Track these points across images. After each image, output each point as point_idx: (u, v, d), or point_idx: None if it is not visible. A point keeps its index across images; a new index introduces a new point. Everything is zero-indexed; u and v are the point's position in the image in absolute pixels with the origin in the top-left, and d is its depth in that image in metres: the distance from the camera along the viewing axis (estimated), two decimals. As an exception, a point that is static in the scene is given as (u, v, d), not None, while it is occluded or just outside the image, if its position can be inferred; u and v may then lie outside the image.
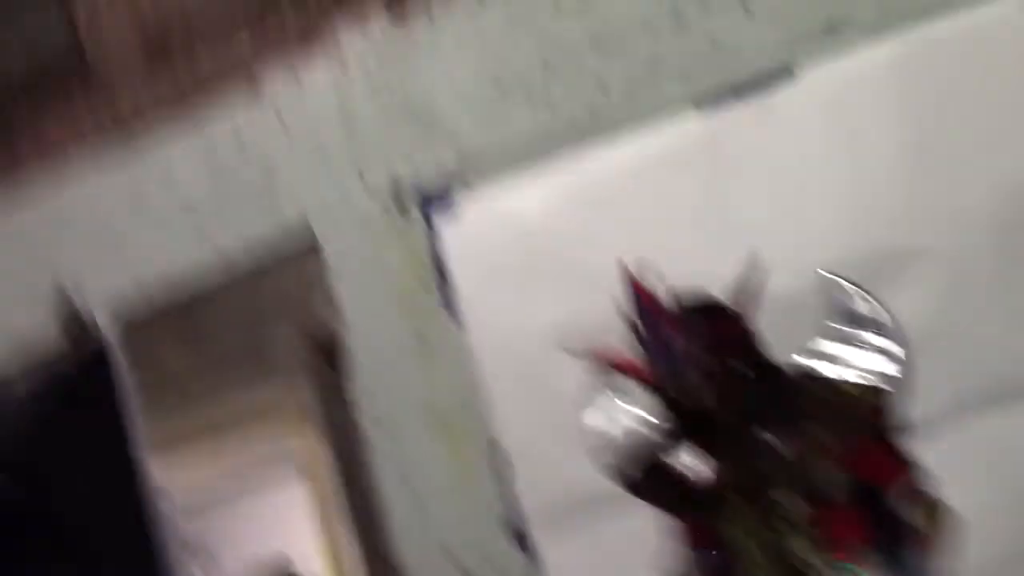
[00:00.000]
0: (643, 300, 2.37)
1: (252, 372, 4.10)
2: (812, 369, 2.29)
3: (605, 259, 3.57)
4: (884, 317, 2.28)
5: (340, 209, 4.15)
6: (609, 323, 3.47)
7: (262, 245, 4.27)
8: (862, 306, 2.38)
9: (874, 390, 2.17)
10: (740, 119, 3.47)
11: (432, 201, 3.97)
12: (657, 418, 2.37)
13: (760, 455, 2.25)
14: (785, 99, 3.43)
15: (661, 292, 2.36)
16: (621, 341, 3.38)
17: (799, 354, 2.52)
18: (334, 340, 4.17)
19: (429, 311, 4.02)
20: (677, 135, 3.54)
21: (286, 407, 4.34)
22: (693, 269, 3.34)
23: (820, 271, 2.52)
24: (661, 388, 2.36)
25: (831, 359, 2.36)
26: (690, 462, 2.32)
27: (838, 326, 2.36)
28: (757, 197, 3.41)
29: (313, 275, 4.21)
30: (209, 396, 3.73)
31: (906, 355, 2.27)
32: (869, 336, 2.35)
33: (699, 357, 2.30)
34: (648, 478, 2.31)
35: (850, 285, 2.47)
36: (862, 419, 2.15)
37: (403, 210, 4.06)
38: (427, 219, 3.97)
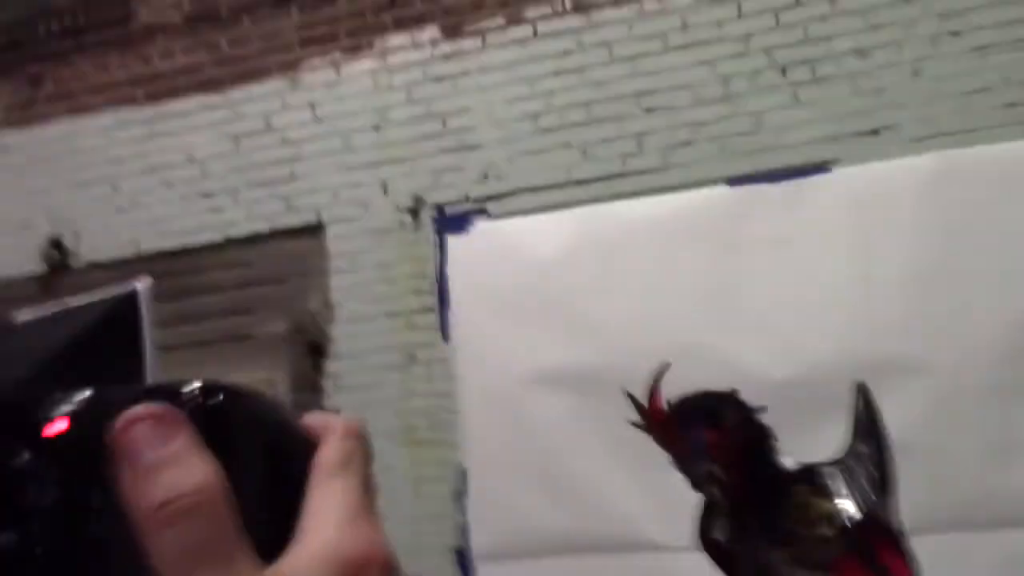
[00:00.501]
0: (653, 412, 2.44)
1: (235, 353, 4.06)
2: (800, 480, 2.36)
3: (611, 315, 3.60)
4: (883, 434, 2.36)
5: (355, 212, 4.15)
6: (600, 377, 3.51)
7: (270, 233, 4.26)
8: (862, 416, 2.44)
9: (843, 524, 2.24)
10: (769, 203, 3.51)
11: (448, 222, 3.98)
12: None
13: (758, 548, 2.36)
14: (817, 192, 3.47)
15: (664, 400, 2.44)
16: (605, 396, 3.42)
17: (789, 453, 2.57)
18: (322, 338, 4.15)
19: (422, 329, 4.02)
20: (705, 206, 3.57)
21: (259, 395, 4.29)
22: (695, 342, 3.38)
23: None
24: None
25: (818, 476, 2.40)
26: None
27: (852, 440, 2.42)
28: (770, 282, 3.44)
29: (314, 271, 4.20)
30: (187, 368, 3.68)
31: (891, 484, 2.34)
32: (857, 461, 2.41)
33: (696, 462, 2.38)
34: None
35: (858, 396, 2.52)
36: (835, 538, 2.23)
37: (417, 226, 4.07)
38: (440, 238, 3.97)
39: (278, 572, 0.31)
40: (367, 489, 0.34)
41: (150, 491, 0.30)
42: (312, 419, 0.35)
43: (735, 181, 3.57)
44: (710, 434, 2.40)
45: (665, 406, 2.44)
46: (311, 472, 0.33)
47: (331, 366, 4.13)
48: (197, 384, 0.33)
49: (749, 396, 2.84)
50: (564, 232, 3.74)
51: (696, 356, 3.27)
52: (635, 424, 2.65)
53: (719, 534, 2.51)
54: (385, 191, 4.12)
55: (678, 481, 3.20)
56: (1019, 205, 3.30)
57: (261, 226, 4.27)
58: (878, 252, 3.40)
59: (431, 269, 4.00)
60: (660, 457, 3.37)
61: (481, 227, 3.92)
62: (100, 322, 2.37)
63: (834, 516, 2.30)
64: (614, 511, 3.44)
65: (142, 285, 2.66)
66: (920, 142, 3.44)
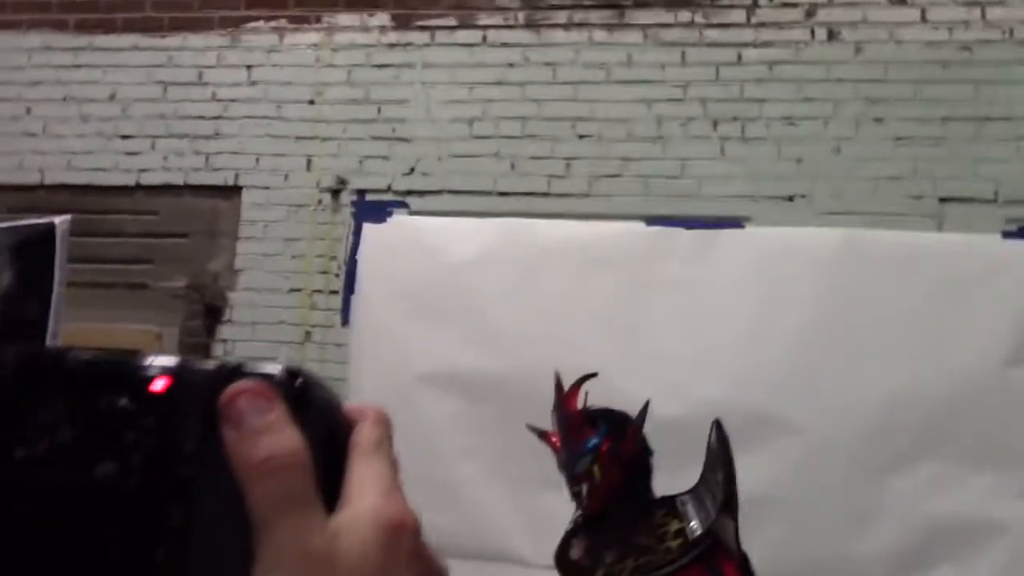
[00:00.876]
0: (564, 404, 2.55)
1: (129, 301, 3.97)
2: (661, 505, 2.52)
3: (514, 328, 3.67)
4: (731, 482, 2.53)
5: (274, 182, 4.12)
6: (494, 385, 3.58)
7: (184, 186, 4.19)
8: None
9: (690, 538, 2.40)
10: (682, 247, 3.64)
11: (367, 208, 3.99)
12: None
13: (611, 561, 2.49)
14: (728, 245, 3.62)
15: (580, 399, 2.56)
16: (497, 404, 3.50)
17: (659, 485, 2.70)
18: (219, 302, 4.10)
19: (323, 310, 4.01)
20: (622, 240, 3.68)
21: (145, 349, 4.21)
22: (591, 367, 3.47)
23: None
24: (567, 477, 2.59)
25: (677, 504, 2.54)
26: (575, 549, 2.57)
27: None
28: (671, 323, 3.56)
29: (223, 233, 4.15)
30: (79, 308, 3.60)
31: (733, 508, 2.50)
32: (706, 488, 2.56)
33: (581, 460, 2.49)
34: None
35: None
36: (679, 549, 2.41)
37: (336, 207, 4.06)
38: (356, 223, 3.98)
39: (340, 523, 0.38)
40: (395, 467, 0.42)
41: (253, 450, 0.37)
42: (348, 406, 0.43)
43: (653, 221, 3.68)
44: (606, 441, 2.52)
45: (580, 404, 2.55)
46: (350, 450, 0.41)
47: (224, 331, 4.09)
48: (281, 367, 0.40)
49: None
50: (482, 239, 3.79)
51: (592, 382, 3.36)
52: (533, 430, 2.72)
53: (575, 553, 2.61)
54: (309, 166, 4.10)
55: (553, 500, 3.30)
56: (911, 290, 3.51)
57: (176, 178, 4.20)
58: (776, 312, 3.55)
59: (342, 252, 4.00)
60: (540, 474, 3.46)
61: (399, 220, 3.95)
62: (13, 248, 2.32)
63: (684, 532, 2.44)
64: (490, 522, 3.51)
65: (60, 221, 2.61)
66: (830, 215, 3.62)
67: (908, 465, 3.37)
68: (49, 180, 4.26)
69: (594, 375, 2.62)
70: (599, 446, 2.53)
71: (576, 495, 2.53)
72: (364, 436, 0.41)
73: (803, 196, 3.67)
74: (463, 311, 3.71)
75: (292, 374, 0.40)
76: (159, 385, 0.39)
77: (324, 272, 4.07)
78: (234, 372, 0.39)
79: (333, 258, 4.06)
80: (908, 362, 3.44)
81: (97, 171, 4.22)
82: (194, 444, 0.38)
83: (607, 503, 2.50)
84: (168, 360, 0.40)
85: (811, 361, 3.50)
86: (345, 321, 3.95)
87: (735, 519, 2.46)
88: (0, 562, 0.38)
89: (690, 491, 2.52)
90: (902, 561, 3.33)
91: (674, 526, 2.44)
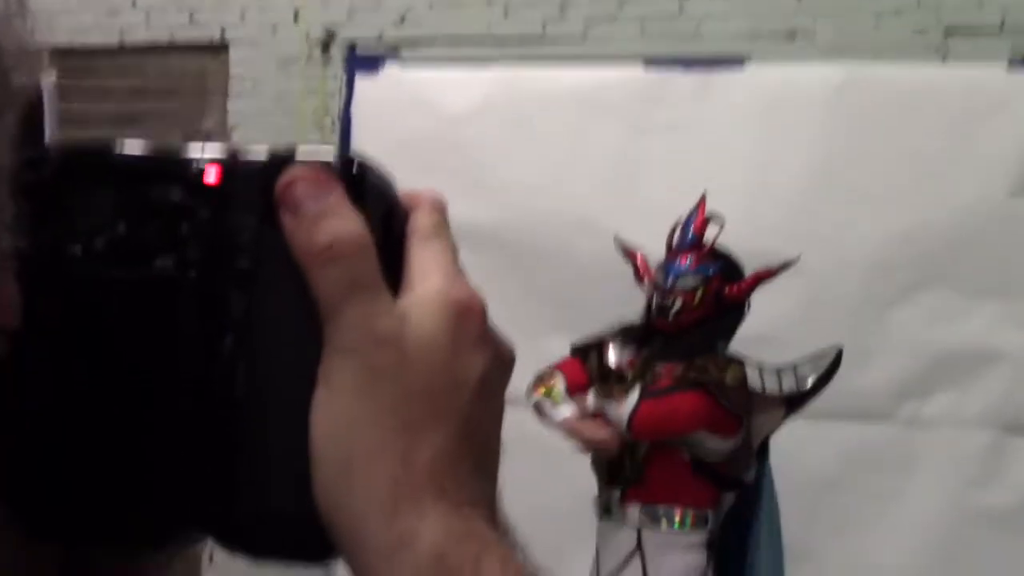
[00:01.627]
0: (696, 223, 2.61)
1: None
2: (730, 356, 2.59)
3: (512, 178, 3.64)
4: None
5: (262, 36, 4.01)
6: (495, 236, 3.57)
7: (169, 45, 4.09)
8: None
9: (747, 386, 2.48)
10: (681, 90, 3.58)
11: (359, 61, 3.90)
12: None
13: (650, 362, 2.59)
14: (729, 85, 3.56)
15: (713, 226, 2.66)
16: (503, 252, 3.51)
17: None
18: (214, 162, 4.05)
19: (319, 166, 3.95)
20: (619, 85, 3.62)
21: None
22: (590, 215, 3.46)
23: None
24: (650, 288, 2.66)
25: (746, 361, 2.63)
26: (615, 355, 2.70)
27: None
28: (673, 164, 3.53)
29: (213, 91, 4.07)
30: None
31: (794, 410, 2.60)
32: None
33: (691, 281, 2.56)
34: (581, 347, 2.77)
35: None
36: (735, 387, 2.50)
37: (326, 60, 3.97)
38: (348, 77, 3.90)
39: (407, 306, 0.37)
40: (456, 251, 0.41)
41: (315, 235, 0.36)
42: (403, 193, 0.41)
43: (651, 61, 3.61)
44: (718, 277, 2.59)
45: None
46: (409, 236, 0.40)
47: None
48: (336, 152, 0.38)
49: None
50: (477, 90, 3.73)
51: (589, 229, 3.36)
52: (623, 247, 2.80)
53: (614, 359, 2.71)
54: (296, 18, 3.99)
55: (558, 345, 3.33)
56: (914, 125, 3.47)
57: (160, 35, 4.09)
58: (777, 152, 3.53)
59: (336, 107, 3.93)
60: (543, 320, 3.49)
61: (392, 72, 3.86)
62: None
63: (745, 380, 2.50)
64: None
65: (46, 82, 2.53)
66: (831, 52, 3.54)
67: (911, 298, 3.41)
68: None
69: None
70: (712, 277, 2.58)
71: (663, 308, 2.56)
72: (422, 221, 0.40)
73: (804, 32, 3.59)
74: (461, 163, 3.67)
75: (349, 158, 0.38)
76: (212, 176, 0.37)
77: (318, 128, 4.01)
78: (287, 159, 0.37)
79: (326, 114, 3.99)
80: (912, 197, 3.43)
81: (78, 31, 4.10)
82: (251, 234, 0.37)
83: (688, 329, 2.56)
84: (218, 149, 0.38)
85: (813, 200, 3.48)
86: (341, 178, 3.91)
87: (786, 415, 2.53)
88: (69, 358, 0.37)
89: (761, 363, 2.57)
90: (903, 392, 3.41)
91: (737, 372, 2.49)
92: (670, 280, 2.58)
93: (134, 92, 4.09)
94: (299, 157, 0.38)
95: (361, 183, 0.38)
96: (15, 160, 0.36)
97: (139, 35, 4.10)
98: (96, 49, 4.11)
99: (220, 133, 4.04)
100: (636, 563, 2.56)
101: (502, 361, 0.39)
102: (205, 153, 0.38)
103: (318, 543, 0.36)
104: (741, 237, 3.42)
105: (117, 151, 0.38)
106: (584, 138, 3.60)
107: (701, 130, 3.53)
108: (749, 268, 2.80)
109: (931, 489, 3.34)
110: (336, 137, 3.92)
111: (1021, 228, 3.34)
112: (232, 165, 0.38)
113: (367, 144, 3.83)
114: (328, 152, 0.38)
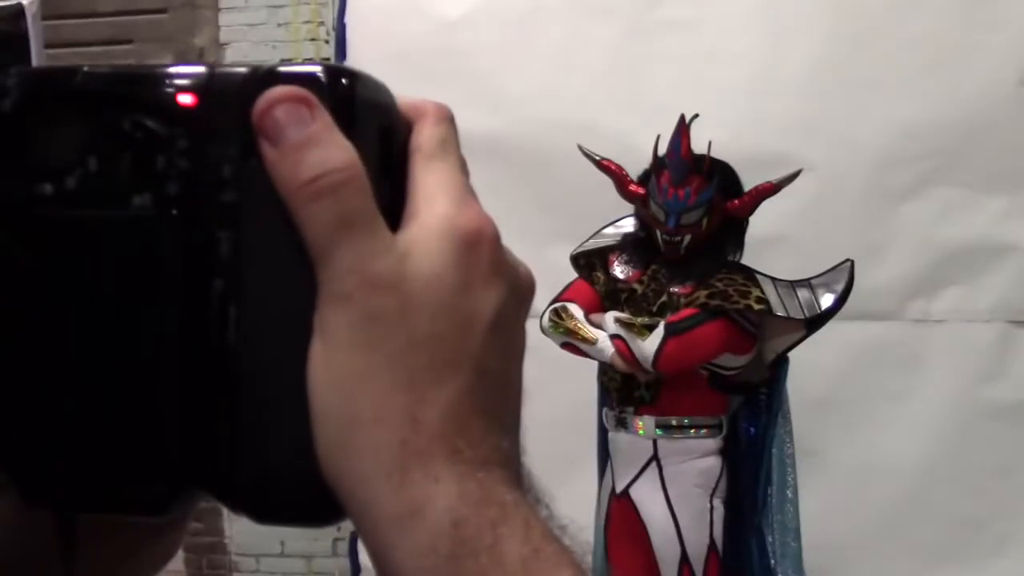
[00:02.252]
0: (683, 150, 2.50)
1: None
2: (744, 269, 2.55)
3: (513, 83, 3.57)
4: None
5: (248, -53, 3.91)
6: (498, 142, 3.52)
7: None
8: None
9: (767, 310, 2.44)
10: (678, -18, 3.49)
11: (349, -32, 3.80)
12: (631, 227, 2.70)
13: (664, 283, 2.55)
14: (727, -25, 3.46)
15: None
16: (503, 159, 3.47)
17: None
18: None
19: (316, 78, 3.89)
20: (614, -19, 3.52)
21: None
22: (594, 118, 3.39)
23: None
24: (644, 208, 2.58)
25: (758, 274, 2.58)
26: (620, 268, 2.65)
27: None
28: (673, 66, 3.45)
29: (203, 4, 3.97)
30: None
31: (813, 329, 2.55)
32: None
33: (694, 209, 2.48)
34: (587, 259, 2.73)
35: None
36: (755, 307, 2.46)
37: (316, -31, 3.87)
38: (340, -15, 3.80)
39: (408, 240, 0.34)
40: (464, 170, 0.37)
41: (298, 168, 0.32)
42: (403, 103, 0.37)
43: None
44: (717, 193, 2.52)
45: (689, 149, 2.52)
46: (411, 154, 0.36)
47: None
48: (321, 68, 0.34)
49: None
50: (474, -4, 3.63)
51: (594, 132, 3.29)
52: (590, 156, 2.70)
53: (622, 272, 2.67)
54: (283, -73, 3.88)
55: (561, 253, 3.31)
56: (920, 15, 3.37)
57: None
58: (783, 48, 3.44)
59: (330, 17, 3.85)
60: (546, 228, 3.45)
61: (385, -21, 3.76)
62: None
63: (767, 302, 2.46)
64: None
65: (29, 2, 2.47)
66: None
67: (921, 192, 3.36)
68: (13, -39, 4.04)
69: (696, 116, 2.56)
70: (713, 198, 2.51)
71: (671, 244, 2.51)
72: (425, 137, 0.36)
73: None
74: (459, 70, 3.59)
75: (334, 73, 0.34)
76: (187, 99, 0.34)
77: (312, 39, 3.93)
78: (268, 77, 0.34)
79: (321, 23, 3.91)
80: (920, 88, 3.36)
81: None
82: (234, 166, 0.33)
83: (703, 245, 2.52)
84: (195, 69, 0.34)
85: (821, 97, 3.41)
86: (338, 89, 3.85)
87: (804, 337, 2.50)
88: (46, 309, 0.34)
89: (773, 277, 2.53)
90: (913, 287, 3.38)
91: (756, 292, 2.45)
92: (673, 219, 2.51)
93: (123, 8, 4.00)
94: (281, 74, 0.34)
95: (351, 101, 0.34)
96: None
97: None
98: (82, -35, 4.01)
99: (212, 49, 3.97)
100: (653, 471, 2.59)
101: (519, 292, 0.36)
102: (181, 73, 0.35)
103: (324, 505, 0.33)
104: (747, 135, 3.37)
105: (83, 75, 0.35)
106: (584, 40, 3.52)
107: (703, 27, 3.44)
108: (757, 167, 2.74)
109: (940, 385, 3.34)
110: (331, 48, 3.84)
111: (1032, 118, 3.28)
112: (209, 87, 0.34)
113: (363, 54, 3.75)
114: (314, 67, 0.34)
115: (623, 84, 3.46)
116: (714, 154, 2.65)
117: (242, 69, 0.35)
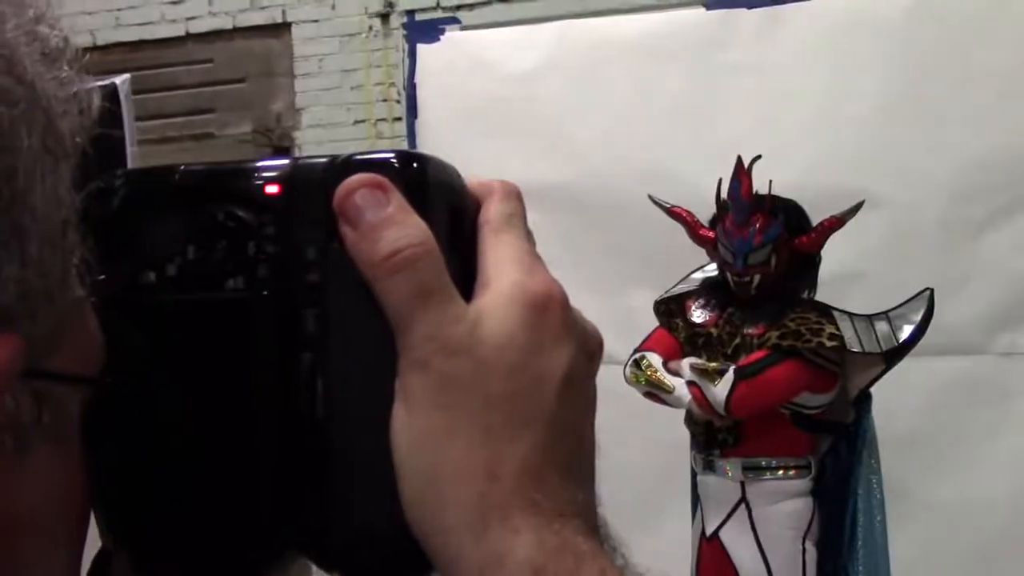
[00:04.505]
0: (744, 189, 2.51)
1: (198, 152, 4.00)
2: (816, 307, 2.52)
3: (581, 133, 3.61)
4: None
5: (322, 13, 4.04)
6: (567, 194, 3.56)
7: (233, 29, 4.14)
8: None
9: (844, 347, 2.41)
10: (745, 27, 3.50)
11: (419, 29, 3.90)
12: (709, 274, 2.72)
13: (739, 325, 2.55)
14: (795, 18, 3.47)
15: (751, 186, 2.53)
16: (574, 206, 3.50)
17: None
18: (287, 142, 4.11)
19: (390, 138, 3.99)
20: (681, 29, 3.55)
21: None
22: (664, 165, 3.42)
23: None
24: (715, 251, 2.59)
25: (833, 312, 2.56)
26: (698, 313, 2.66)
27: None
28: (741, 109, 3.46)
29: (279, 72, 4.11)
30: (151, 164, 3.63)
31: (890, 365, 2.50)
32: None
33: (760, 249, 2.48)
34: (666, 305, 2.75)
35: None
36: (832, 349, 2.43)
37: (387, 31, 3.98)
38: (410, 46, 3.90)
39: (480, 307, 0.36)
40: (531, 240, 0.39)
41: (377, 246, 0.35)
42: (472, 183, 0.40)
43: (712, 4, 3.53)
44: (784, 231, 2.51)
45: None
46: (479, 229, 0.38)
47: (294, 171, 4.11)
48: (394, 154, 0.38)
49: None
50: (538, 46, 3.70)
51: (664, 177, 3.31)
52: (660, 204, 2.72)
53: (699, 317, 2.66)
54: (355, -8, 4.00)
55: (639, 296, 3.32)
56: (987, 45, 3.34)
57: (224, 22, 4.15)
58: (848, 85, 3.43)
59: (400, 78, 3.95)
60: (621, 274, 3.48)
61: (453, 36, 3.85)
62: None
63: (842, 339, 2.43)
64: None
65: (121, 81, 2.61)
66: (900, -25, 3.42)
67: (998, 223, 3.31)
68: (101, 40, 4.24)
69: (759, 157, 2.56)
70: (780, 235, 2.51)
71: (741, 285, 2.52)
72: (493, 212, 0.39)
73: (870, -43, 3.47)
74: (528, 123, 3.65)
75: (406, 158, 0.37)
76: (273, 189, 0.37)
77: (385, 100, 4.03)
78: (346, 165, 0.37)
79: (392, 85, 4.01)
80: (991, 118, 3.31)
81: (146, 25, 4.18)
82: (318, 248, 0.36)
83: (773, 289, 2.51)
84: (279, 161, 0.38)
85: (891, 132, 3.38)
86: (413, 147, 3.94)
87: (884, 371, 2.47)
88: (153, 387, 0.37)
89: (850, 313, 2.51)
90: (997, 320, 3.31)
91: (830, 329, 2.43)
92: (740, 260, 2.51)
93: (204, 80, 4.16)
94: (357, 162, 0.37)
95: (422, 184, 0.37)
96: (77, 199, 0.37)
97: (204, 24, 4.15)
98: (165, 40, 4.18)
99: (289, 114, 4.09)
100: (743, 513, 2.55)
101: (588, 350, 0.38)
102: (267, 166, 0.38)
103: (413, 560, 0.35)
104: (817, 174, 3.36)
105: (181, 172, 0.39)
106: (650, 85, 3.55)
107: (769, 67, 3.45)
108: (831, 205, 2.73)
109: (1030, 420, 3.26)
110: (403, 108, 3.93)
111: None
112: (292, 177, 0.37)
113: (435, 111, 3.84)
114: (387, 154, 0.37)
115: (691, 128, 3.48)
116: (786, 194, 2.64)
117: (322, 159, 0.38)
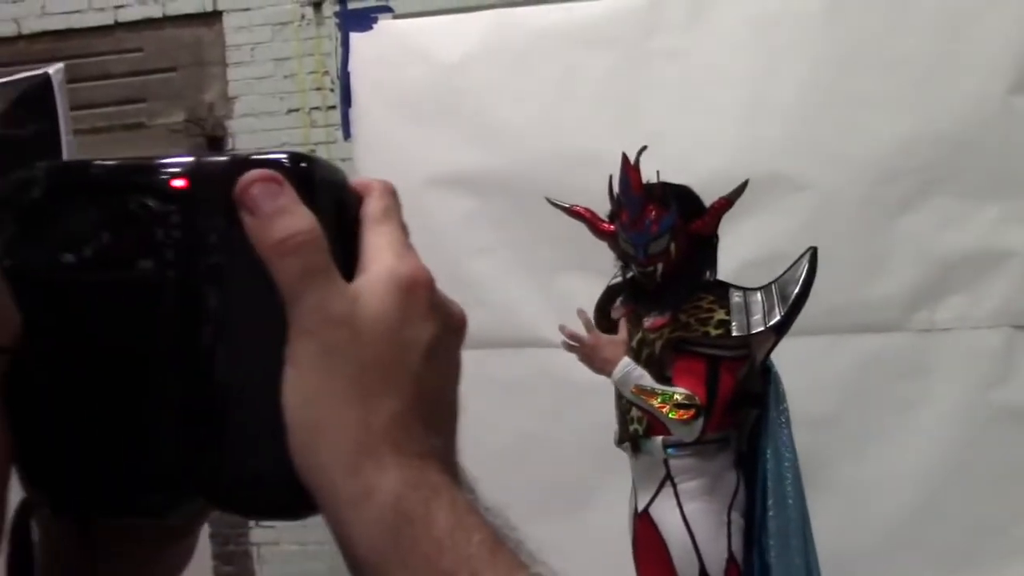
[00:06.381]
0: (634, 183, 2.54)
1: (130, 143, 3.97)
2: (713, 287, 2.57)
3: (513, 120, 3.65)
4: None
5: (253, 3, 4.02)
6: (500, 180, 3.61)
7: (163, 18, 4.11)
8: None
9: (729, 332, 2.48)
10: (672, 14, 3.57)
11: (352, 18, 3.91)
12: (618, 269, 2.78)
13: (641, 317, 2.61)
14: (721, 5, 3.55)
15: (641, 176, 2.56)
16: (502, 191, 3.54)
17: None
18: (220, 131, 4.10)
19: (324, 127, 4.00)
20: (609, 15, 3.61)
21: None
22: (594, 149, 3.47)
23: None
24: (617, 245, 2.64)
25: (728, 291, 2.60)
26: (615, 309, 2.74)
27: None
28: (667, 90, 3.53)
29: (211, 61, 4.09)
30: (84, 154, 3.59)
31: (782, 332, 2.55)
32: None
33: (657, 239, 2.51)
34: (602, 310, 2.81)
35: None
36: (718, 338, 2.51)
37: (319, 20, 3.99)
38: (343, 35, 3.91)
39: (359, 286, 0.42)
40: (405, 231, 0.46)
41: (272, 232, 0.41)
42: (354, 181, 0.46)
43: (640, -9, 3.60)
44: (679, 219, 2.56)
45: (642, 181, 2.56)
46: (362, 220, 0.45)
47: (228, 160, 4.09)
48: (287, 153, 0.43)
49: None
50: (471, 35, 3.73)
51: (594, 161, 3.37)
52: (557, 205, 2.76)
53: (616, 312, 2.73)
54: (286, -20, 4.00)
55: (571, 281, 3.38)
56: (909, 30, 3.45)
57: (153, 11, 4.12)
58: (775, 71, 3.52)
59: (334, 66, 3.96)
60: (556, 259, 3.54)
61: (385, 25, 3.87)
62: (15, 103, 2.32)
63: (727, 325, 2.51)
64: (515, 311, 3.60)
65: (54, 71, 2.59)
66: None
67: (917, 204, 3.42)
68: (26, 29, 4.18)
69: (645, 148, 2.59)
70: (675, 222, 2.55)
71: (646, 275, 2.57)
72: (373, 207, 0.45)
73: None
74: (461, 110, 3.69)
75: (297, 158, 0.43)
76: (179, 183, 0.42)
77: (319, 88, 4.04)
78: (245, 163, 0.42)
79: (325, 73, 4.02)
80: (910, 104, 3.43)
81: (73, 14, 4.13)
82: (218, 234, 0.42)
83: (674, 276, 2.56)
84: (185, 159, 0.43)
85: (814, 118, 3.48)
86: (347, 135, 3.95)
87: (778, 340, 2.54)
88: (69, 354, 0.42)
89: (745, 288, 2.57)
90: (914, 300, 3.42)
91: (719, 315, 2.50)
92: (641, 251, 2.57)
93: (134, 69, 4.13)
94: (256, 160, 0.42)
95: (311, 179, 0.43)
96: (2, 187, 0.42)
97: (133, 12, 4.12)
98: (92, 28, 4.14)
99: (222, 103, 4.08)
100: (669, 489, 2.63)
101: (452, 326, 0.44)
102: (174, 162, 0.43)
103: (297, 500, 0.41)
104: (743, 158, 3.44)
105: (95, 166, 0.44)
106: (580, 72, 3.61)
107: (698, 54, 3.52)
108: (755, 189, 2.79)
109: (949, 393, 3.37)
110: (337, 96, 3.95)
111: (1022, 125, 3.34)
112: (197, 172, 0.43)
113: (368, 100, 3.86)
114: (281, 154, 0.43)
115: (620, 114, 3.54)
116: (713, 179, 2.70)
117: (224, 157, 0.43)
